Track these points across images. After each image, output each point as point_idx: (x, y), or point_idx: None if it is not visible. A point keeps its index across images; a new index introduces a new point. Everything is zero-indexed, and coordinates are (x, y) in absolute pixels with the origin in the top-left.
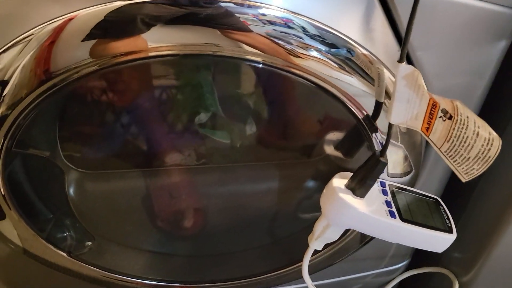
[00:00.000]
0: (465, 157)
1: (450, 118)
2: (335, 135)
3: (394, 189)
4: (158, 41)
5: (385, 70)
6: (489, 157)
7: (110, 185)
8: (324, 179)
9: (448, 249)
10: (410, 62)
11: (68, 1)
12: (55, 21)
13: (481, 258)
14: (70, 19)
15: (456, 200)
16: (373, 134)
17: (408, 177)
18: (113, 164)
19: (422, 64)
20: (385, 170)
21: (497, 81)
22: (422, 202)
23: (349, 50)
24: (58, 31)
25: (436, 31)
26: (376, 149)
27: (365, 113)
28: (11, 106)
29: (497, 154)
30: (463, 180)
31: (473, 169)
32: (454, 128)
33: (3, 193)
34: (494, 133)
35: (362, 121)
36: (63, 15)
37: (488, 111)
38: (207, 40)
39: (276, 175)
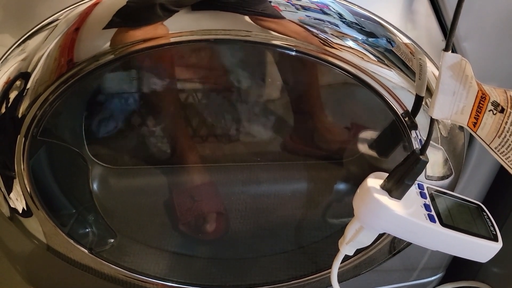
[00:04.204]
0: None
1: (502, 111)
2: (369, 134)
3: (433, 192)
4: (181, 27)
5: (427, 61)
6: None
7: (134, 182)
8: (355, 181)
9: (487, 262)
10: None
11: None
12: (82, 4)
13: None
14: (97, 3)
15: (497, 209)
16: (412, 132)
17: (447, 181)
18: (138, 160)
19: (468, 57)
20: (422, 172)
21: None
22: (463, 207)
23: (389, 40)
24: (84, 17)
25: (485, 19)
26: (415, 148)
27: (405, 109)
28: (36, 97)
29: None
30: None
31: None
32: (506, 122)
33: (28, 190)
34: None
35: (402, 117)
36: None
37: None
38: (235, 26)
39: (304, 176)
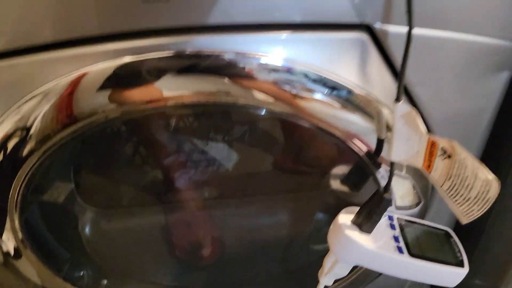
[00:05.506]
0: (465, 197)
1: (449, 157)
2: (341, 169)
3: (402, 222)
4: (172, 89)
5: (383, 108)
6: (489, 198)
7: (125, 222)
8: (334, 212)
9: (469, 275)
10: (409, 96)
11: (78, 60)
12: (69, 76)
13: (502, 284)
14: (83, 74)
15: (474, 222)
16: (378, 169)
17: (417, 208)
18: (128, 201)
19: (421, 98)
20: (393, 204)
21: (500, 116)
22: (432, 234)
23: (349, 91)
24: (74, 84)
25: (433, 66)
26: (382, 183)
27: (367, 150)
28: (30, 153)
29: (495, 196)
30: (463, 222)
31: (473, 210)
32: (454, 167)
33: (20, 238)
34: (492, 175)
35: (363, 158)
36: (75, 71)
37: (494, 147)
38: (218, 87)
39: (287, 207)
